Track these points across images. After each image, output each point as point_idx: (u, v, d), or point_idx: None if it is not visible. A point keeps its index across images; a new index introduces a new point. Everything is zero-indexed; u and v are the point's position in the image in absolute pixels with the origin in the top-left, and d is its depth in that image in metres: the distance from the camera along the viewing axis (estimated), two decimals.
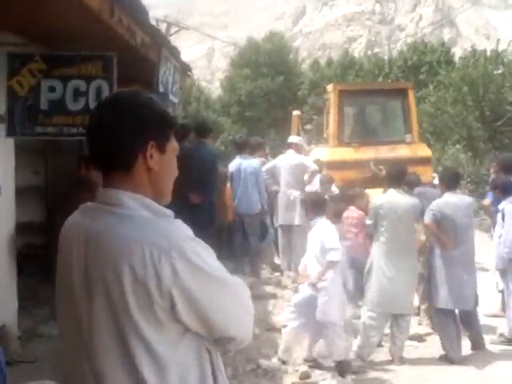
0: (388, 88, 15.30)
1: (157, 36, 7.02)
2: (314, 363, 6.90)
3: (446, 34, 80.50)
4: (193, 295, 1.83)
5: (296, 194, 10.57)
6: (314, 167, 10.84)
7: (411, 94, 12.83)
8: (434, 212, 7.38)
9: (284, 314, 7.09)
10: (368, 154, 11.79)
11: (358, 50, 67.64)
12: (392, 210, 7.23)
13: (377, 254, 7.35)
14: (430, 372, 6.99)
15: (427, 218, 7.40)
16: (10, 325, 6.36)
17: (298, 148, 11.27)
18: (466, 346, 7.49)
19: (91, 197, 2.04)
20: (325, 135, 13.10)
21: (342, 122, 12.40)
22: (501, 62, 27.17)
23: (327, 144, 12.60)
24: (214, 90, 52.12)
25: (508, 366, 7.16)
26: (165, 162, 2.00)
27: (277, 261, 11.53)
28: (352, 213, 8.75)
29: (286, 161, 11.04)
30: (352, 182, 10.35)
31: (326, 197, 10.15)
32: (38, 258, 7.95)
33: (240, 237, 10.54)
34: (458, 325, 7.44)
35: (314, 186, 10.70)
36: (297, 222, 10.61)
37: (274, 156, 12.97)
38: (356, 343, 7.26)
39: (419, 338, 7.96)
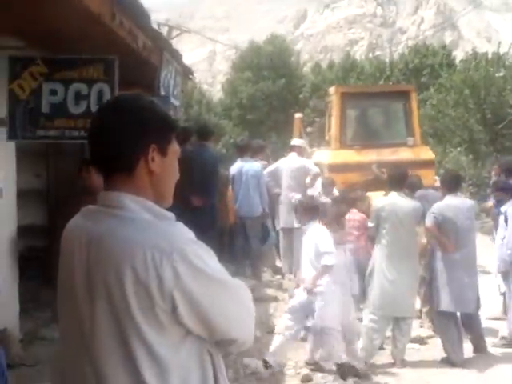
0: (390, 90, 15.30)
1: (158, 39, 7.03)
2: (316, 366, 6.89)
3: (448, 37, 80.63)
4: (194, 298, 1.83)
5: (298, 196, 10.56)
6: (316, 170, 10.84)
7: (413, 97, 12.82)
8: (435, 215, 7.37)
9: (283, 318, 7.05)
10: (370, 156, 11.78)
11: (359, 53, 67.75)
12: (393, 212, 7.22)
13: (378, 256, 7.35)
14: (431, 375, 6.99)
15: (428, 221, 7.40)
16: (11, 328, 6.35)
17: (300, 151, 11.27)
18: (467, 349, 7.48)
19: (92, 200, 2.04)
20: (327, 138, 13.10)
21: (344, 125, 12.40)
22: (502, 65, 27.19)
23: (329, 146, 12.60)
24: (216, 92, 52.18)
25: (510, 368, 7.15)
26: (166, 165, 2.00)
27: (278, 263, 11.53)
28: (354, 215, 8.75)
29: (287, 163, 11.04)
30: (354, 185, 10.33)
31: (328, 200, 10.21)
32: (39, 260, 7.95)
33: (241, 240, 10.54)
34: (460, 327, 7.44)
35: (316, 189, 10.70)
36: (298, 224, 10.59)
37: (275, 159, 12.97)
38: (358, 346, 7.26)
39: (421, 341, 7.95)
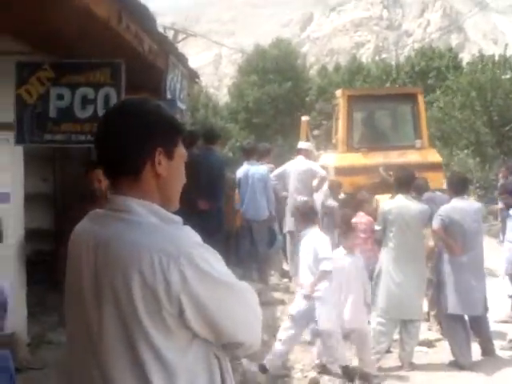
0: (397, 93, 15.28)
1: (164, 43, 7.04)
2: (323, 369, 6.88)
3: (454, 39, 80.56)
4: (201, 301, 1.83)
5: (304, 199, 10.54)
6: (323, 173, 10.83)
7: (421, 99, 12.78)
8: (442, 217, 7.35)
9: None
10: (377, 159, 11.76)
11: (365, 56, 67.77)
12: (400, 215, 7.21)
13: (385, 259, 7.34)
14: (439, 378, 6.97)
15: (435, 224, 7.38)
16: (19, 331, 6.36)
17: (307, 154, 11.27)
18: (475, 352, 7.45)
19: (99, 204, 2.05)
20: (334, 141, 13.08)
21: (350, 128, 12.38)
22: (509, 67, 27.17)
23: (336, 149, 12.58)
24: (222, 96, 52.28)
25: None
26: (173, 169, 2.01)
27: (285, 267, 11.52)
28: (360, 218, 8.73)
29: (294, 166, 11.03)
30: (361, 188, 10.32)
31: (335, 203, 10.20)
32: (46, 264, 7.96)
33: (248, 243, 10.53)
34: (468, 331, 7.41)
35: (323, 192, 10.68)
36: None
37: (277, 162, 12.92)
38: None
39: (429, 344, 7.93)
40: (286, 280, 11.05)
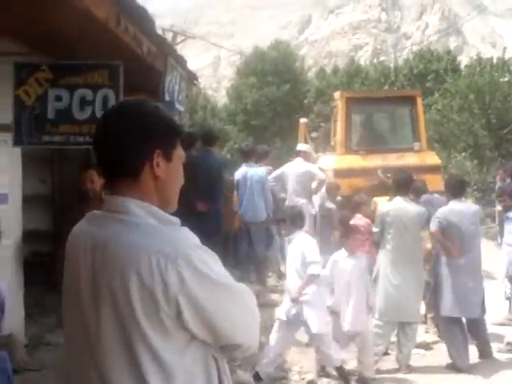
0: (396, 95, 15.29)
1: (163, 45, 7.04)
2: (323, 372, 6.87)
3: (452, 42, 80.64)
4: (199, 303, 1.83)
5: (303, 201, 10.55)
6: (322, 175, 10.84)
7: (419, 102, 12.81)
8: (439, 220, 7.36)
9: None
10: (375, 161, 11.78)
11: (363, 58, 67.81)
12: (398, 217, 7.22)
13: (383, 261, 7.34)
14: (437, 380, 6.97)
15: (433, 226, 7.38)
16: (16, 333, 6.36)
17: (306, 156, 11.28)
18: (473, 355, 7.46)
19: (97, 205, 2.05)
20: (332, 143, 13.10)
21: (349, 130, 12.39)
22: (507, 70, 27.19)
23: (334, 152, 12.60)
24: (220, 98, 52.22)
25: None
26: (171, 170, 2.01)
27: (283, 269, 11.50)
28: (358, 220, 8.73)
29: (293, 168, 11.04)
30: (359, 190, 10.33)
31: (334, 206, 10.20)
32: (44, 266, 7.95)
33: (246, 245, 10.53)
34: (466, 333, 7.41)
35: (321, 194, 10.68)
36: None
37: (275, 164, 12.91)
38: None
39: (426, 347, 7.93)
40: (283, 282, 11.03)
